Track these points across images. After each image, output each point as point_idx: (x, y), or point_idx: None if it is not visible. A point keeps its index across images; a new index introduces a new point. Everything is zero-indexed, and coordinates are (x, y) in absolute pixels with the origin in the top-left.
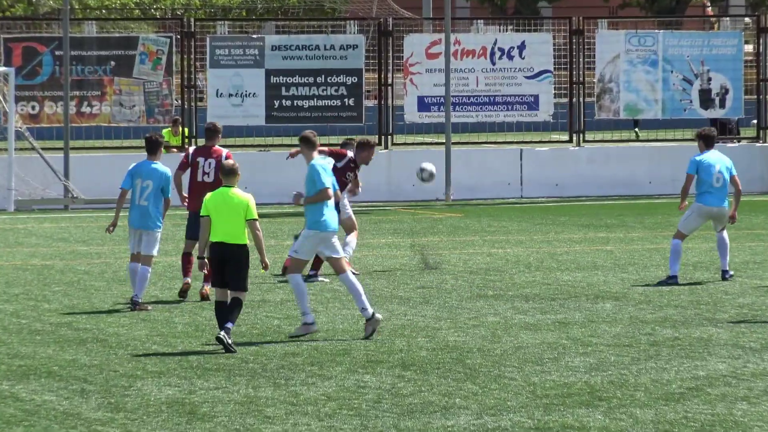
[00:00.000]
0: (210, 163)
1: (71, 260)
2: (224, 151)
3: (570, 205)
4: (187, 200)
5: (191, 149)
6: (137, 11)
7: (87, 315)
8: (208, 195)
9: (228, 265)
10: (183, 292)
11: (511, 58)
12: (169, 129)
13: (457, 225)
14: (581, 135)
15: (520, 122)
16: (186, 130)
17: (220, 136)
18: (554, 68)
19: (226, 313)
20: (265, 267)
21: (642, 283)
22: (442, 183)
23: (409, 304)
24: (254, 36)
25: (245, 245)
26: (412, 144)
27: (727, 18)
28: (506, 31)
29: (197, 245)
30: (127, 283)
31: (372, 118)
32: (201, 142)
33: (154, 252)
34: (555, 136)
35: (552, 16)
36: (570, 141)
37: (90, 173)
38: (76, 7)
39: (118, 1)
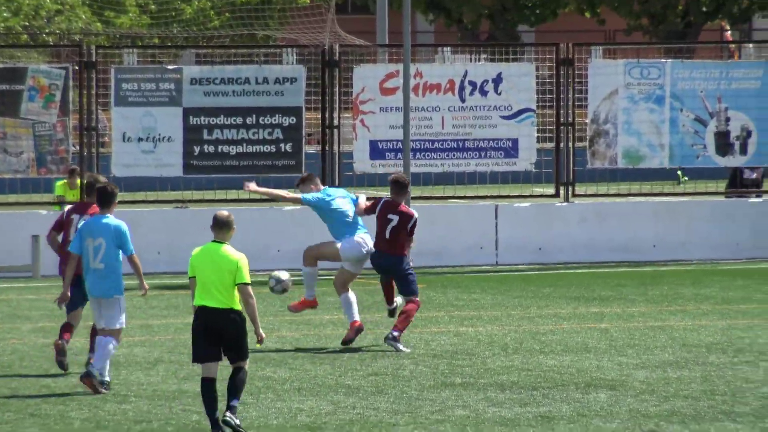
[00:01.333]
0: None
1: None
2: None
3: (556, 273)
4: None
5: (67, 207)
6: (25, 36)
7: None
8: (195, 250)
9: (222, 334)
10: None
11: (484, 93)
12: (65, 181)
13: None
14: (570, 188)
15: (496, 172)
16: (86, 182)
17: None
18: (537, 106)
19: (231, 388)
20: (260, 340)
21: (644, 369)
22: None
23: (358, 395)
24: (169, 67)
25: (239, 311)
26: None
27: (750, 45)
28: (479, 60)
29: None
30: (10, 369)
31: (314, 168)
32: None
33: (119, 323)
34: (538, 190)
35: (535, 42)
36: (556, 195)
37: None
38: None
39: (2, 24)
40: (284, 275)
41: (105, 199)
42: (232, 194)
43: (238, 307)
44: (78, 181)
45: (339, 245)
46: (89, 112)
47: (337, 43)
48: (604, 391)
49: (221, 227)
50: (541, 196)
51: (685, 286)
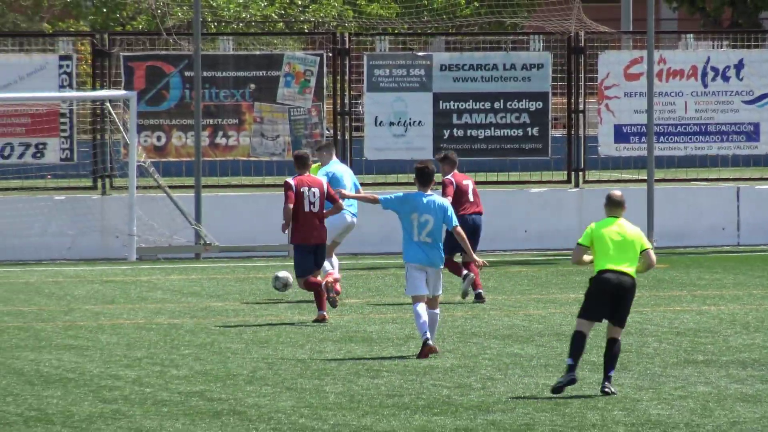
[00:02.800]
0: (314, 193)
1: (203, 318)
2: (324, 180)
3: None
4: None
5: (291, 180)
6: (281, 25)
7: (222, 383)
8: (593, 224)
9: (620, 300)
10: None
11: (726, 79)
12: (319, 164)
13: (662, 277)
14: None
15: (737, 155)
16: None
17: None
18: None
19: (610, 358)
20: None
21: None
22: (644, 227)
23: (602, 371)
24: (420, 54)
25: (636, 280)
26: (608, 181)
27: None
28: (721, 47)
29: None
30: (268, 345)
31: (560, 151)
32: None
33: (441, 291)
34: None
35: None
36: None
37: (225, 216)
38: (209, 20)
39: (259, 13)
40: (282, 273)
41: (426, 178)
42: (480, 176)
43: (635, 276)
44: None
45: None
46: (342, 98)
47: (583, 30)
48: None
49: (616, 205)
50: None
51: None
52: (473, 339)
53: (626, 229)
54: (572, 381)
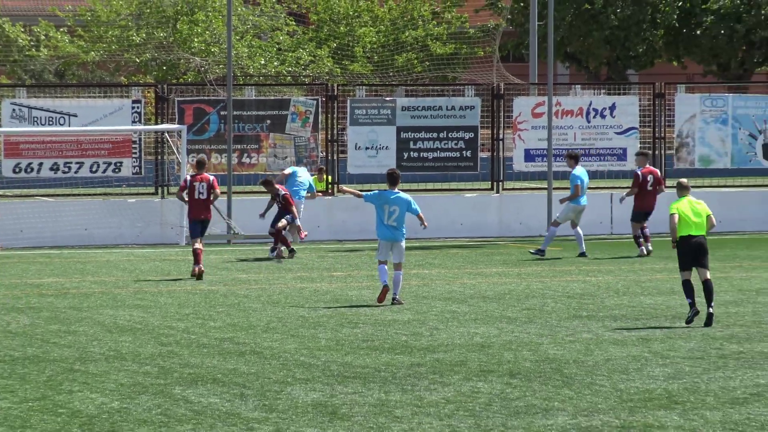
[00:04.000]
0: (203, 185)
1: (233, 286)
2: (211, 177)
3: (657, 241)
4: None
5: (188, 176)
6: (289, 78)
7: (245, 331)
8: (674, 202)
9: (701, 252)
10: (199, 275)
11: (603, 117)
12: (315, 176)
13: (557, 256)
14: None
15: (611, 171)
16: (329, 177)
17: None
18: (640, 125)
19: (708, 293)
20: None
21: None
22: (545, 223)
23: (516, 323)
24: (387, 99)
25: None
26: (520, 189)
27: None
28: (600, 94)
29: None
30: (278, 305)
31: (485, 167)
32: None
33: (404, 259)
34: None
35: (638, 81)
36: None
37: (249, 213)
38: (238, 74)
39: (274, 70)
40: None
41: (393, 179)
42: (430, 185)
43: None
44: (324, 176)
45: None
46: (332, 130)
47: (502, 82)
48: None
49: (685, 188)
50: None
51: (740, 250)
52: (424, 300)
53: (694, 202)
54: (696, 312)
